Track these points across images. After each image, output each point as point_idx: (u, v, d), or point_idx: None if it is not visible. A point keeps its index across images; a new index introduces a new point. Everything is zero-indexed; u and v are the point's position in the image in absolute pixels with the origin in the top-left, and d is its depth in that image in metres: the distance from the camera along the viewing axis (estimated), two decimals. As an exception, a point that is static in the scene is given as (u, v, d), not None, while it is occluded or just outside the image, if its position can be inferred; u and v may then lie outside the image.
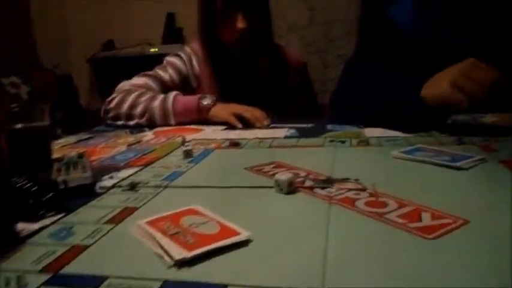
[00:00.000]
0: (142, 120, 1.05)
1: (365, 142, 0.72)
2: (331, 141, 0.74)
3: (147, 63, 1.24)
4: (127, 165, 0.66)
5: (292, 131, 0.88)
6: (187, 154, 0.68)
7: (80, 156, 0.66)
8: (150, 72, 1.17)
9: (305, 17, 2.58)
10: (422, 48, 0.96)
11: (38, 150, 0.65)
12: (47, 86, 2.51)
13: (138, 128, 1.02)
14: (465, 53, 0.75)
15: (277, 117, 1.01)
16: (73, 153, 0.67)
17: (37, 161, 0.64)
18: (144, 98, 1.06)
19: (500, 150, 0.62)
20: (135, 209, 0.46)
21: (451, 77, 0.72)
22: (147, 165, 0.65)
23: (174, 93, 1.06)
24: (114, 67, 2.95)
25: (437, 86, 0.74)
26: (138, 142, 0.85)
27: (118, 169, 0.64)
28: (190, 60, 1.21)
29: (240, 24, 1.06)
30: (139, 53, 2.73)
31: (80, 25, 2.97)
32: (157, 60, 1.25)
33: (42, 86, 2.45)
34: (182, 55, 1.21)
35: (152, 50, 2.72)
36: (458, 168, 0.54)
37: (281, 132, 0.87)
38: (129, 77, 1.16)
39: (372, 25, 1.09)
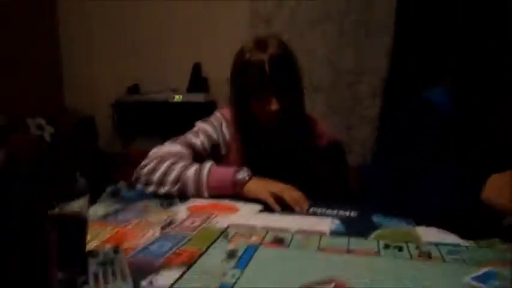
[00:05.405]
0: (175, 189, 1.00)
1: (426, 254, 0.65)
2: (387, 246, 0.68)
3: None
4: (164, 264, 0.60)
5: (337, 222, 0.81)
6: (231, 254, 0.63)
7: (116, 251, 0.61)
8: (183, 139, 1.13)
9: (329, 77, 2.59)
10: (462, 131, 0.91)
11: (73, 242, 0.60)
12: (70, 128, 2.52)
13: (169, 200, 0.98)
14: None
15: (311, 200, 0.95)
16: (108, 247, 0.62)
17: (70, 255, 0.58)
18: (178, 166, 1.01)
19: None
20: None
21: None
22: (186, 265, 0.60)
23: (209, 164, 1.02)
24: (137, 111, 2.97)
25: (503, 196, 0.69)
26: (171, 223, 0.80)
27: (155, 269, 0.58)
28: (221, 127, 1.17)
29: (274, 106, 1.03)
30: (163, 99, 2.74)
31: (108, 69, 3.03)
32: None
33: (65, 128, 2.46)
34: (214, 122, 1.18)
35: (176, 97, 2.73)
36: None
37: (324, 223, 0.80)
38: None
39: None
